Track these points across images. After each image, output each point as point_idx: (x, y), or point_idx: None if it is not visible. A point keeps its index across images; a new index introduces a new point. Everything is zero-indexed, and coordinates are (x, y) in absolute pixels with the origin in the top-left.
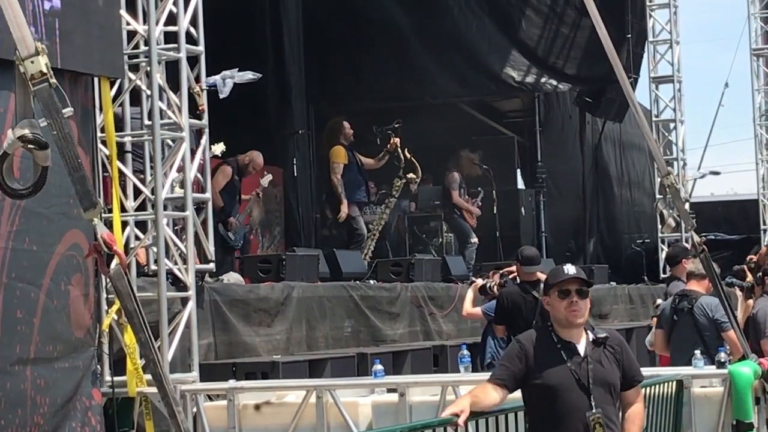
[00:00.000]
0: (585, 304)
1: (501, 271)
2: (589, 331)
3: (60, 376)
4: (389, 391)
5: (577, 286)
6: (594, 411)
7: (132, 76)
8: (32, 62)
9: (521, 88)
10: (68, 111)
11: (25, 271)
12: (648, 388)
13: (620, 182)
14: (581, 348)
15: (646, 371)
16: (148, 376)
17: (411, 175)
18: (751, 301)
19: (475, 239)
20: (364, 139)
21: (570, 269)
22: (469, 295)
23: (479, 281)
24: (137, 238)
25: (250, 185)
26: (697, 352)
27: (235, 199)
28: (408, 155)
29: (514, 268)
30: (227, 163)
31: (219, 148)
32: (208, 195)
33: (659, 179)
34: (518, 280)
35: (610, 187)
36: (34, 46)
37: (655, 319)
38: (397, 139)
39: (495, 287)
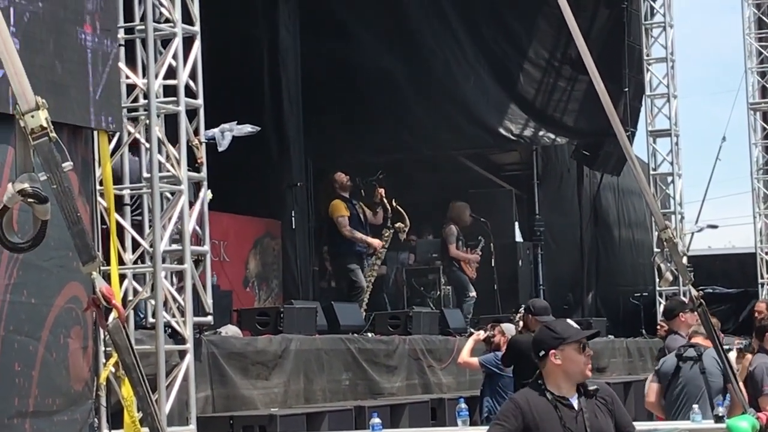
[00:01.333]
0: None
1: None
2: (579, 385)
3: (59, 430)
4: None
5: (586, 340)
6: None
7: (131, 129)
8: (32, 116)
9: (519, 141)
10: (68, 165)
11: (24, 323)
12: None
13: (620, 228)
14: (574, 402)
15: (644, 425)
16: (146, 430)
17: (399, 225)
18: (749, 356)
19: (473, 293)
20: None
21: (575, 324)
22: (469, 344)
23: (481, 333)
24: (135, 290)
25: None
26: (695, 406)
27: None
28: (394, 204)
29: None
30: None
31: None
32: (206, 248)
33: (657, 233)
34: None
35: (609, 239)
36: (34, 101)
37: None
38: (382, 189)
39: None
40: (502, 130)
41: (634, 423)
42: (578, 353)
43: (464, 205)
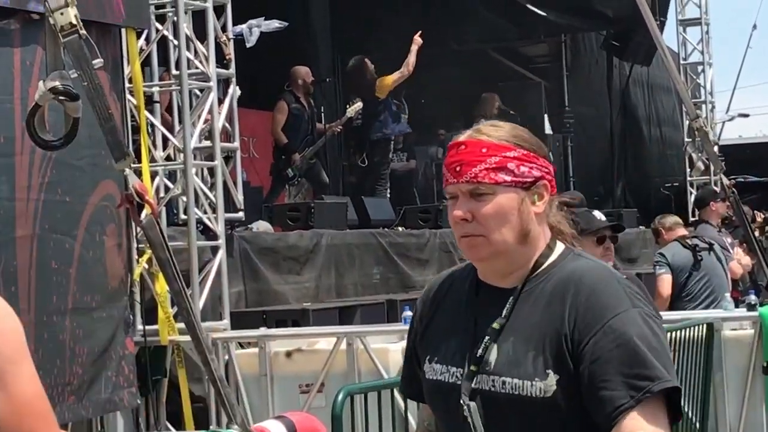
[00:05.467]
0: (613, 249)
1: None
2: None
3: (98, 326)
4: None
5: (611, 233)
6: None
7: (159, 26)
8: (62, 14)
9: (547, 32)
10: (98, 62)
11: (59, 222)
12: (678, 332)
13: (649, 124)
14: None
15: (676, 314)
16: (180, 325)
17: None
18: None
19: None
20: None
21: (602, 216)
22: None
23: None
24: (167, 188)
25: None
26: (727, 294)
27: (299, 132)
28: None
29: None
30: (282, 98)
31: (355, 108)
32: (236, 144)
33: (688, 122)
34: None
35: (639, 131)
36: None
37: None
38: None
39: None
40: (529, 21)
41: (665, 313)
42: (594, 245)
43: (494, 96)
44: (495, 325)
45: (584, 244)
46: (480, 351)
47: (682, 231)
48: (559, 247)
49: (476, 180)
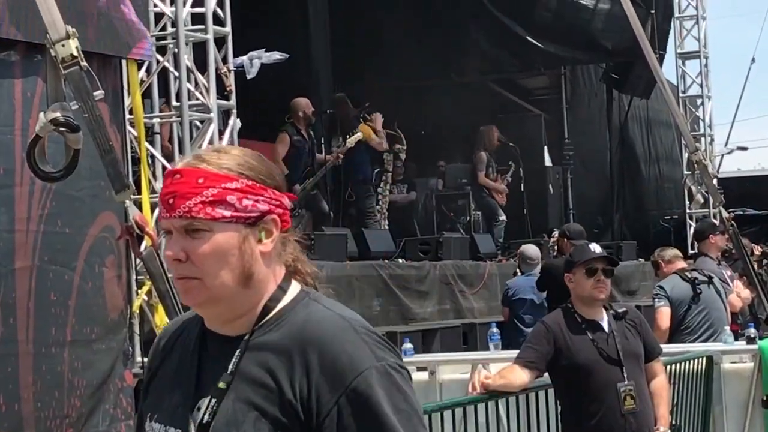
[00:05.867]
0: (608, 283)
1: None
2: (607, 308)
3: (97, 358)
4: (419, 369)
5: (603, 266)
6: (627, 383)
7: (160, 57)
8: (63, 45)
9: (545, 65)
10: (99, 94)
11: (58, 253)
12: (678, 365)
13: (647, 159)
14: (604, 324)
15: (676, 347)
16: None
17: (397, 146)
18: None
19: (503, 217)
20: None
21: (596, 248)
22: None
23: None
24: None
25: None
26: (727, 328)
27: (300, 164)
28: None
29: None
30: (284, 130)
31: (355, 138)
32: None
33: (687, 155)
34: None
35: (637, 164)
36: (64, 30)
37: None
38: (376, 114)
39: None
40: (528, 54)
41: (665, 346)
42: (585, 277)
43: (492, 128)
44: (221, 385)
45: (576, 276)
46: (206, 416)
47: (682, 264)
48: (294, 288)
49: (190, 215)
